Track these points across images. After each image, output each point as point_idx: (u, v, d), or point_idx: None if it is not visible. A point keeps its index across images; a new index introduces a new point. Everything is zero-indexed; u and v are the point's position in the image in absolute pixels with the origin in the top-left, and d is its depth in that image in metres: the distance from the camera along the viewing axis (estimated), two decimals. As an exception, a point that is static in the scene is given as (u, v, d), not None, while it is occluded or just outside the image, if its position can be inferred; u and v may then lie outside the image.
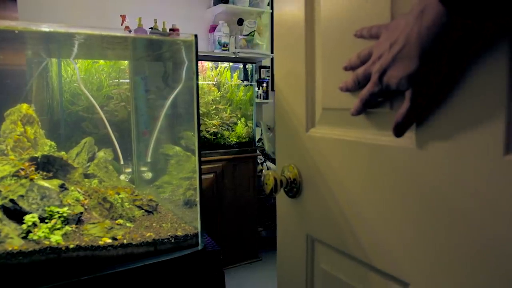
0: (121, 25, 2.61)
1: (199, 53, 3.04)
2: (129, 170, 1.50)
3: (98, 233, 1.01)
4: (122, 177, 1.45)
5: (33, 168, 1.04)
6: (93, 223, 1.03)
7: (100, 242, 0.98)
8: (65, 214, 0.99)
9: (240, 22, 3.23)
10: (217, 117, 2.68)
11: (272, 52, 3.48)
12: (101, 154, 1.36)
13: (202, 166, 2.55)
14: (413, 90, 0.49)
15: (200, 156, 1.07)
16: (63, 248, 0.94)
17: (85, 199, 1.09)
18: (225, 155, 2.64)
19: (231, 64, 2.80)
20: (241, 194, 2.73)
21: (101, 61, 1.72)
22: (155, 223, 1.13)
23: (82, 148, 1.35)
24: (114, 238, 1.01)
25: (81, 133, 1.49)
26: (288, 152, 0.81)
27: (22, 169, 1.03)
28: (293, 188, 0.78)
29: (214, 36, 3.10)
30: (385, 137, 0.59)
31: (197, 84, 1.02)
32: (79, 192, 1.09)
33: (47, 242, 0.93)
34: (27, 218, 0.94)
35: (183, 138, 1.36)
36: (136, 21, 2.62)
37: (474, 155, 0.47)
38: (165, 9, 2.97)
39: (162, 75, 1.65)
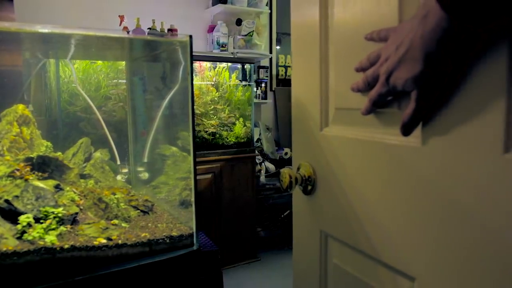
0: (120, 25, 2.61)
1: (197, 53, 3.02)
2: (125, 170, 1.50)
3: (93, 233, 1.01)
4: (118, 177, 1.45)
5: (28, 169, 1.05)
6: (88, 224, 1.04)
7: (95, 243, 0.99)
8: (60, 215, 0.99)
9: (239, 22, 3.23)
10: (215, 117, 2.68)
11: (270, 52, 3.48)
12: (97, 154, 1.37)
13: (201, 166, 2.56)
14: (418, 91, 0.51)
15: (195, 156, 1.07)
16: (58, 249, 0.94)
17: (81, 199, 1.09)
18: (224, 155, 2.64)
19: (229, 64, 2.80)
20: (240, 195, 2.73)
21: (99, 62, 1.72)
22: (150, 223, 1.14)
23: (79, 149, 1.35)
24: (109, 239, 1.01)
25: (79, 134, 1.50)
26: (304, 150, 0.85)
27: (17, 170, 1.03)
28: (308, 185, 0.81)
29: (212, 36, 3.10)
30: (393, 136, 0.61)
31: (192, 85, 1.02)
32: (74, 193, 1.09)
33: (41, 243, 0.93)
34: (22, 218, 0.94)
35: (179, 138, 1.37)
36: (134, 21, 2.62)
37: (475, 153, 0.48)
38: (164, 9, 2.97)
39: (161, 75, 1.65)
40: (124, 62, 1.70)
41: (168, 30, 2.78)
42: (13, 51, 1.38)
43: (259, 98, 3.35)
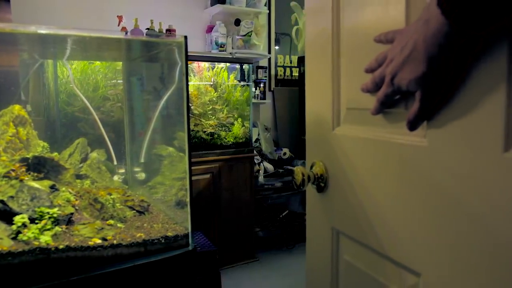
0: (118, 25, 2.61)
1: (196, 54, 3.01)
2: (122, 170, 1.50)
3: (88, 233, 1.02)
4: (115, 177, 1.45)
5: (23, 169, 1.05)
6: (84, 224, 1.04)
7: (90, 243, 0.99)
8: (55, 215, 0.99)
9: (237, 22, 3.23)
10: (214, 117, 2.68)
11: (269, 53, 3.48)
12: (94, 155, 1.37)
13: (199, 167, 2.56)
14: (421, 91, 0.53)
15: (190, 156, 1.07)
16: (53, 249, 0.94)
17: (76, 199, 1.09)
18: (222, 156, 2.64)
19: (228, 64, 2.80)
20: (238, 195, 2.73)
21: (97, 62, 1.72)
22: (146, 224, 1.14)
23: (75, 149, 1.35)
24: (104, 239, 1.01)
25: (77, 134, 1.50)
26: (316, 149, 0.88)
27: (13, 170, 1.03)
28: (320, 183, 0.84)
29: (211, 37, 3.10)
30: (400, 136, 0.63)
31: (187, 85, 1.02)
32: (70, 193, 1.09)
33: (36, 243, 0.93)
34: (17, 219, 0.95)
35: (176, 138, 1.37)
36: (133, 21, 2.62)
37: (476, 152, 0.50)
38: (162, 9, 2.97)
39: (158, 76, 1.65)
40: (121, 63, 1.71)
41: (166, 30, 2.78)
42: (10, 52, 1.38)
43: (257, 98, 3.35)
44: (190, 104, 2.61)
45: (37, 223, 0.97)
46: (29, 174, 1.06)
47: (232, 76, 2.79)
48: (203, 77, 2.69)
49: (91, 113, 1.50)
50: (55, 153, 1.26)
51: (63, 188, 1.09)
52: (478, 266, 0.51)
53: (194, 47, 3.12)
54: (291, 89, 3.62)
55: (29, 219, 0.96)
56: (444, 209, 0.55)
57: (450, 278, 0.55)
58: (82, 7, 2.70)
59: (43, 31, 0.96)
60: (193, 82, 2.65)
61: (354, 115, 0.75)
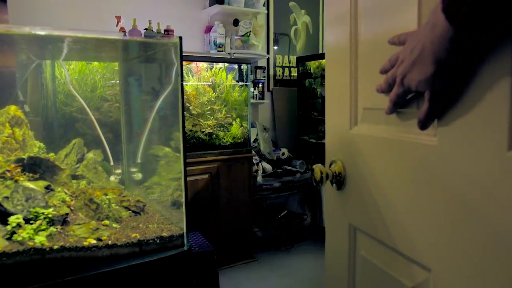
0: (116, 26, 2.61)
1: (194, 54, 3.01)
2: (119, 171, 1.50)
3: (83, 234, 1.02)
4: (112, 178, 1.45)
5: (19, 170, 1.05)
6: (79, 224, 1.04)
7: (85, 243, 0.99)
8: (50, 215, 1.00)
9: (236, 22, 3.23)
10: (212, 117, 2.68)
11: (268, 53, 3.48)
12: (90, 155, 1.37)
13: (197, 167, 2.56)
14: (430, 91, 0.55)
15: (185, 156, 1.08)
16: (47, 249, 0.94)
17: (72, 200, 1.09)
18: (221, 156, 2.64)
19: (226, 64, 2.80)
20: (237, 195, 2.73)
21: (95, 63, 1.72)
22: (141, 224, 1.14)
23: (71, 149, 1.35)
24: (99, 239, 1.01)
25: (74, 134, 1.50)
26: (335, 148, 0.91)
27: (8, 171, 1.03)
28: (338, 180, 0.87)
29: (209, 37, 3.10)
30: (412, 135, 0.65)
31: (182, 85, 1.02)
32: (65, 193, 1.09)
33: (31, 243, 0.93)
34: (12, 219, 0.95)
35: (173, 139, 1.37)
36: (131, 22, 2.62)
37: (482, 151, 0.52)
38: (161, 10, 2.98)
39: (155, 76, 1.65)
40: (117, 63, 1.71)
41: (165, 30, 2.78)
42: (6, 52, 1.38)
43: (256, 99, 3.35)
44: (189, 104, 2.61)
45: (32, 224, 0.97)
46: (25, 174, 1.06)
47: (230, 76, 2.79)
48: (201, 77, 2.70)
49: (88, 114, 1.50)
50: (51, 154, 1.26)
51: (59, 189, 1.10)
52: (486, 262, 0.52)
53: (193, 48, 3.12)
54: (290, 89, 3.62)
55: (24, 219, 0.97)
56: (454, 207, 0.57)
57: (459, 273, 0.57)
58: (80, 7, 2.70)
59: (37, 32, 0.96)
60: (191, 82, 2.65)
61: (370, 115, 0.78)
